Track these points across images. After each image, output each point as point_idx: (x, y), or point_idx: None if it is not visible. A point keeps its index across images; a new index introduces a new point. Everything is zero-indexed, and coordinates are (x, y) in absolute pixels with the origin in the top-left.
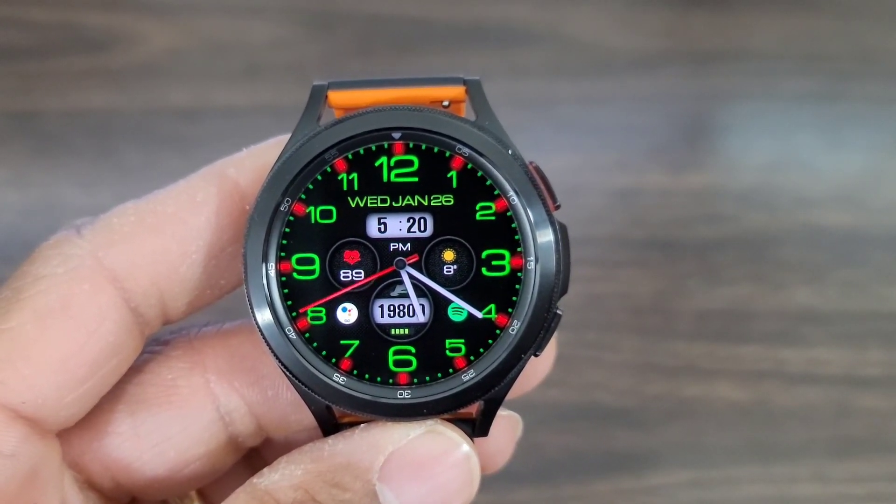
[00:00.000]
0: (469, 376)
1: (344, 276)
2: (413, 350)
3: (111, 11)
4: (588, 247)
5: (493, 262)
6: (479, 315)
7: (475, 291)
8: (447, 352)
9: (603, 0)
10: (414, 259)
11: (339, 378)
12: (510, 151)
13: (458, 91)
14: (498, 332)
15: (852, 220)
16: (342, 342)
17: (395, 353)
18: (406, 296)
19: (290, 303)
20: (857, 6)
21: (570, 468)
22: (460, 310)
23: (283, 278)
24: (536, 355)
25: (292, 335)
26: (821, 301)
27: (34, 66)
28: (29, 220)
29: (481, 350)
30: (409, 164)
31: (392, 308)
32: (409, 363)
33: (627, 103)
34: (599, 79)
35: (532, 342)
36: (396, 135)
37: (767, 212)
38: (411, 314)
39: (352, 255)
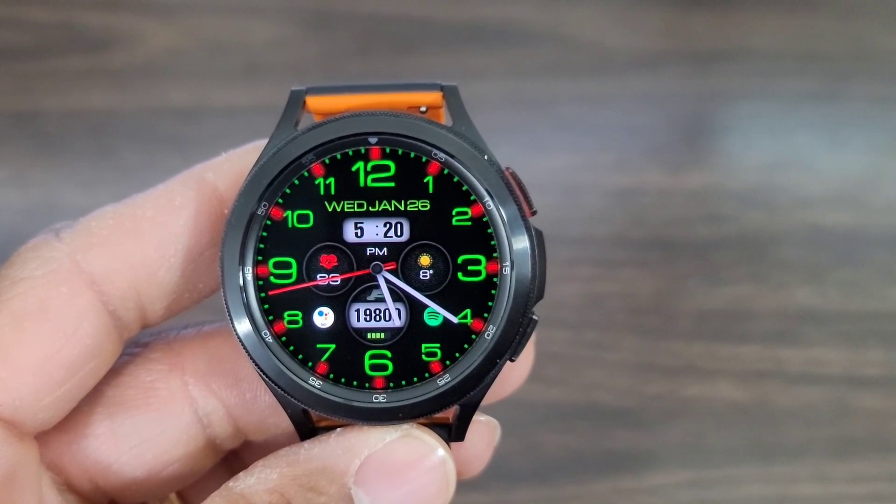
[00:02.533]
0: (445, 381)
1: (320, 280)
2: (389, 354)
3: (111, 11)
4: (588, 247)
5: (469, 268)
6: (455, 320)
7: (451, 296)
8: (423, 356)
9: (603, 0)
10: (391, 267)
11: (315, 382)
12: (486, 157)
13: (435, 97)
14: (473, 336)
15: (852, 220)
16: (318, 346)
17: (372, 357)
18: (382, 300)
19: (266, 307)
20: (857, 6)
21: (570, 468)
22: (436, 314)
23: (260, 282)
24: (512, 360)
25: (269, 339)
26: (821, 301)
27: (34, 66)
28: (29, 220)
29: (457, 355)
30: (386, 169)
31: (368, 312)
32: (385, 367)
33: (627, 103)
34: (599, 79)
35: (507, 347)
36: (373, 140)
37: (767, 212)
38: (387, 318)
39: (329, 260)
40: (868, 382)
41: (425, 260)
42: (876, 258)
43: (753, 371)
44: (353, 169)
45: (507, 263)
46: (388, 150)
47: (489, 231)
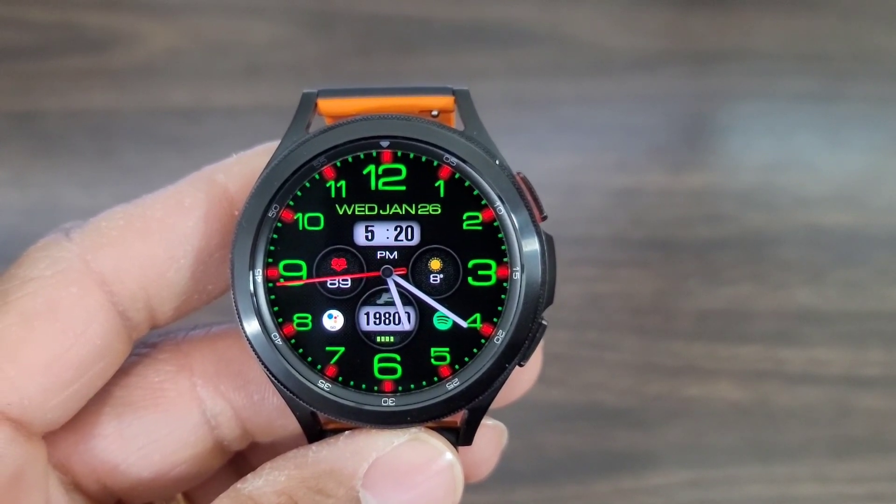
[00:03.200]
0: (453, 385)
1: (331, 283)
2: (398, 358)
3: (111, 11)
4: (588, 247)
5: (480, 272)
6: (465, 324)
7: (461, 300)
8: (432, 360)
9: (603, 0)
10: (401, 271)
11: (323, 384)
12: (497, 162)
13: (446, 101)
14: (483, 341)
15: (852, 220)
16: (328, 349)
17: (381, 360)
18: (392, 304)
19: (276, 309)
20: (857, 6)
21: (570, 468)
22: (446, 319)
23: (270, 284)
24: (521, 365)
25: (278, 341)
26: (821, 301)
27: (34, 66)
28: (29, 220)
29: (466, 359)
30: (397, 172)
31: (378, 316)
32: (394, 371)
33: (627, 103)
34: (599, 79)
35: (517, 352)
36: (385, 143)
37: (767, 212)
38: (397, 322)
39: (339, 263)
40: (868, 382)
41: (436, 264)
42: (876, 258)
43: (753, 371)
44: (365, 172)
45: (518, 268)
46: (399, 154)
47: (500, 236)
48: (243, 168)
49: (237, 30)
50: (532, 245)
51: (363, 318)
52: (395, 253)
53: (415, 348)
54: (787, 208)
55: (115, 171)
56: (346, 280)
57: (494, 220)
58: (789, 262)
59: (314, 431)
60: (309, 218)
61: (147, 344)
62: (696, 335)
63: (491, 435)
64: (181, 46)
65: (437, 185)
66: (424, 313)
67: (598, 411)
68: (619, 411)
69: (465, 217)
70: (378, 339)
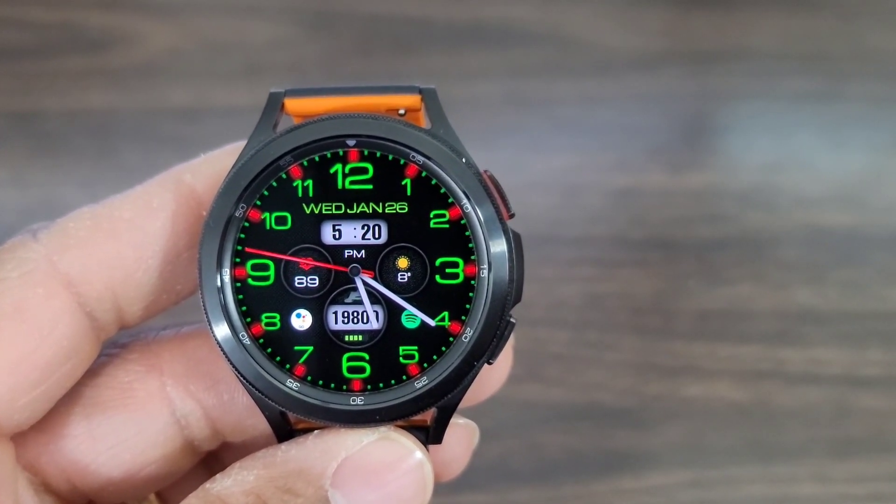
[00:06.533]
0: (422, 383)
1: (298, 283)
2: (366, 357)
3: (111, 11)
4: (588, 247)
5: (447, 270)
6: (432, 323)
7: (428, 299)
8: (400, 359)
9: (603, 0)
10: (369, 272)
11: (292, 384)
12: (464, 160)
13: (413, 100)
14: (451, 339)
15: (852, 220)
16: (296, 348)
17: (349, 359)
18: (360, 302)
19: (244, 308)
20: (857, 6)
21: (570, 468)
22: (413, 317)
23: (238, 284)
24: (490, 363)
25: (247, 341)
26: (821, 301)
27: (34, 66)
28: (29, 220)
29: (434, 357)
30: (364, 171)
31: (346, 314)
32: (362, 370)
33: (627, 103)
34: (599, 79)
35: (485, 350)
36: (351, 142)
37: (767, 212)
38: (365, 321)
39: (306, 262)
40: (868, 382)
41: (403, 262)
42: (876, 258)
43: (753, 371)
44: (332, 171)
45: (485, 266)
46: (366, 153)
47: (467, 234)
48: (211, 168)
49: (237, 30)
50: (499, 243)
51: (331, 317)
52: (363, 252)
53: (383, 347)
54: (786, 208)
55: (114, 170)
56: (314, 279)
57: (461, 218)
58: (789, 262)
59: (284, 431)
60: (276, 217)
61: (117, 344)
62: (696, 335)
63: (462, 433)
64: (181, 46)
65: (403, 183)
66: (392, 312)
67: (598, 411)
68: (618, 411)
69: (431, 215)
70: (346, 337)
